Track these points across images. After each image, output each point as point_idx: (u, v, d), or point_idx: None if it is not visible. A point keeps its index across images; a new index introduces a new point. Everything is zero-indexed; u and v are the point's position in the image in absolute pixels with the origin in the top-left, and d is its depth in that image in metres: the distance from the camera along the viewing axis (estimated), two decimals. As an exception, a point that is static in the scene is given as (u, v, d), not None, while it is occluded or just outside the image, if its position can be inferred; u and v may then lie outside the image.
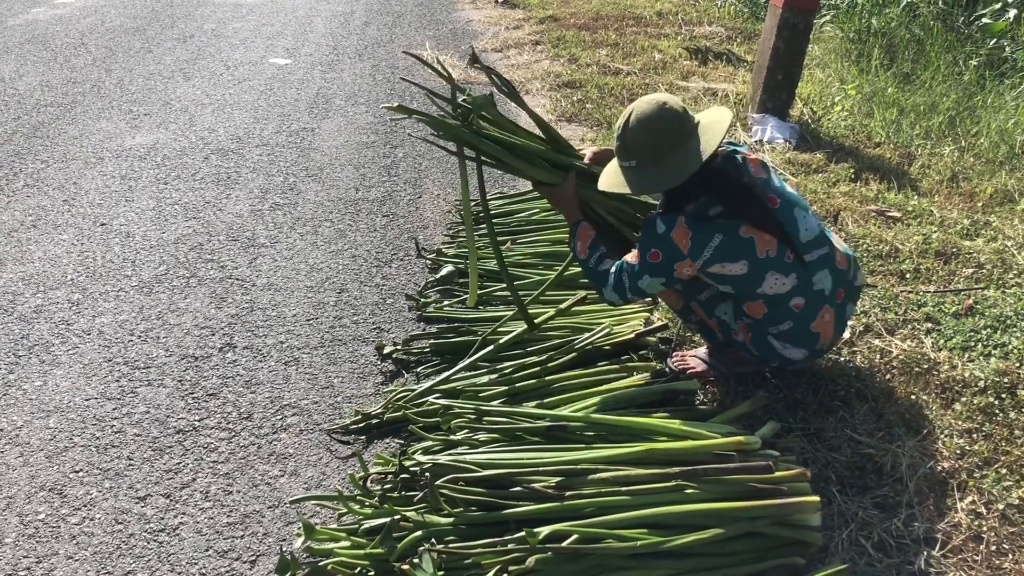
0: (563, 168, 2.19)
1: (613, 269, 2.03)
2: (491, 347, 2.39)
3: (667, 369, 2.26)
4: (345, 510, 1.84)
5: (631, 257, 1.98)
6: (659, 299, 2.14)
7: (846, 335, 2.37)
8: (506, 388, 2.18)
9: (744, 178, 1.92)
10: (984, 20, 4.95)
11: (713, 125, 1.87)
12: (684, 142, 1.84)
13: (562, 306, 2.46)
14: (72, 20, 7.32)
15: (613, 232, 2.28)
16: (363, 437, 2.15)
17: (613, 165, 1.99)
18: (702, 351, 2.27)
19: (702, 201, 1.89)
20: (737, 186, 1.89)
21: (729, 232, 1.85)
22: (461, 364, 2.33)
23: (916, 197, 3.37)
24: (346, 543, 1.74)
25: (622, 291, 2.01)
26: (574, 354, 2.28)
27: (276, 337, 2.58)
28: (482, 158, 2.19)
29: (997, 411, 2.04)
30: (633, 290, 1.99)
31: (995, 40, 4.87)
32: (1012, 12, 4.69)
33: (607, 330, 2.36)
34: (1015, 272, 2.69)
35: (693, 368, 2.24)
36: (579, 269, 2.64)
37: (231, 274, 2.97)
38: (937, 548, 1.71)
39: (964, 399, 2.09)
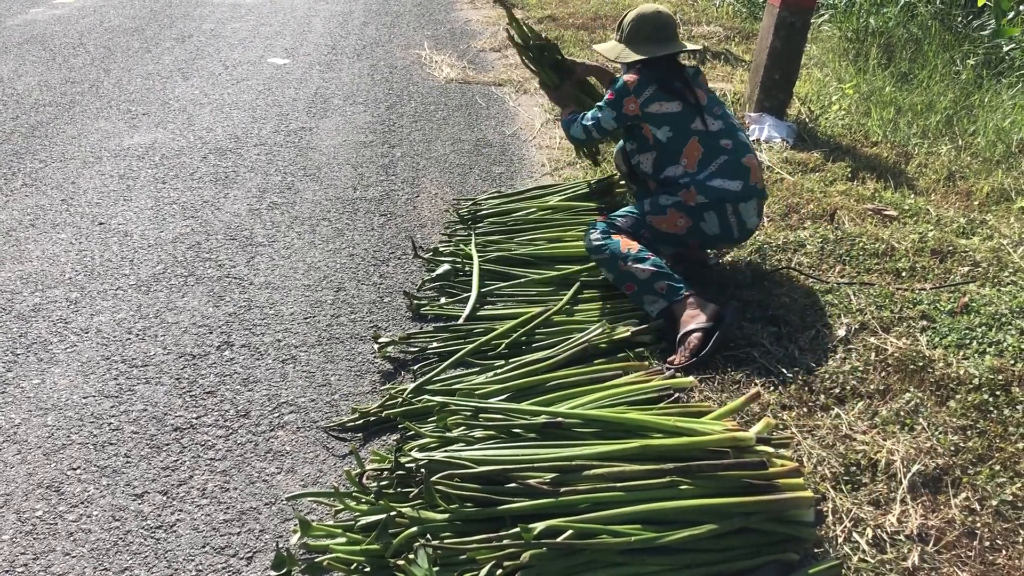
0: (562, 76, 3.24)
1: (583, 118, 2.86)
2: (485, 344, 2.40)
3: (669, 370, 2.27)
4: (341, 507, 1.85)
5: (595, 108, 2.81)
6: (621, 245, 2.53)
7: (841, 332, 2.38)
8: (502, 386, 2.18)
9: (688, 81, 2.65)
10: (990, 25, 4.96)
11: (684, 45, 2.71)
12: (661, 39, 2.67)
13: (558, 305, 2.47)
14: (71, 20, 7.33)
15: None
16: (360, 434, 2.16)
17: (612, 43, 2.76)
18: (693, 323, 2.33)
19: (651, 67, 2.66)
20: (677, 70, 2.66)
21: (663, 86, 2.59)
22: (453, 359, 2.34)
23: (913, 196, 3.38)
24: (342, 539, 1.74)
25: (587, 125, 2.81)
26: (570, 352, 2.29)
27: (274, 335, 2.59)
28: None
29: (991, 408, 2.05)
30: (594, 122, 2.77)
31: (992, 41, 4.89)
32: None
33: (603, 328, 2.37)
34: (1011, 270, 2.70)
35: (694, 344, 2.29)
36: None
37: (229, 273, 2.97)
38: (931, 544, 1.72)
39: (959, 396, 2.09)
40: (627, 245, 2.52)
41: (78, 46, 6.35)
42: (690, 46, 2.73)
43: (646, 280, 2.45)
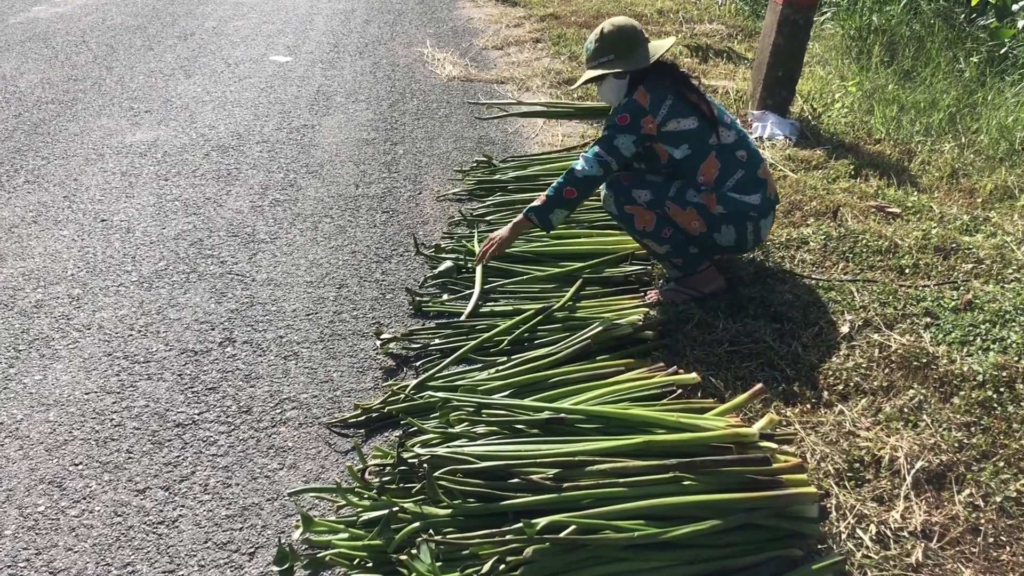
0: None
1: (585, 154, 2.46)
2: (488, 340, 2.40)
3: (647, 300, 2.60)
4: (344, 502, 1.85)
5: (601, 138, 2.46)
6: (635, 220, 2.49)
7: (844, 329, 2.38)
8: (505, 382, 2.18)
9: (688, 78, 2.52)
10: (992, 23, 4.97)
11: (662, 42, 2.50)
12: (644, 43, 2.47)
13: (562, 300, 2.47)
14: (73, 18, 7.33)
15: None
16: (362, 430, 2.15)
17: (587, 71, 2.52)
18: (672, 284, 2.61)
19: (655, 79, 2.45)
20: (683, 76, 2.50)
21: (678, 96, 2.42)
22: (455, 356, 2.34)
23: (916, 193, 3.37)
24: (344, 535, 1.74)
25: (601, 157, 2.42)
26: (573, 348, 2.29)
27: (276, 332, 2.59)
28: None
29: (995, 405, 2.04)
30: (610, 151, 2.41)
31: (995, 41, 4.89)
32: (1021, 22, 4.71)
33: (606, 324, 2.37)
34: (1014, 267, 2.69)
35: (667, 299, 2.57)
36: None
37: (231, 269, 2.97)
38: (935, 540, 1.71)
39: (962, 393, 2.09)
40: (642, 222, 2.47)
41: (80, 44, 6.35)
42: (666, 42, 2.50)
43: (663, 254, 2.55)
